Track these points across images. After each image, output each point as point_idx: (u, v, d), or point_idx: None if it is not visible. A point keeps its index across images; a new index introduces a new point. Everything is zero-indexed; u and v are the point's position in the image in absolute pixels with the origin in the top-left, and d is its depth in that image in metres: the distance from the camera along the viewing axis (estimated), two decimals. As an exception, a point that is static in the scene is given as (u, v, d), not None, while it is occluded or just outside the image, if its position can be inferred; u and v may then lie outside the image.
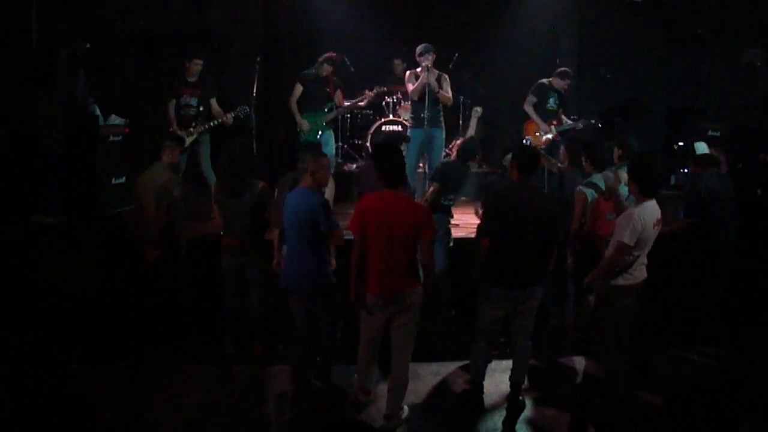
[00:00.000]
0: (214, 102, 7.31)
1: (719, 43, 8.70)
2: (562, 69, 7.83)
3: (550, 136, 7.69)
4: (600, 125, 7.95)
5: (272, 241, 5.37)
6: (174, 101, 7.17)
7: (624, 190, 5.42)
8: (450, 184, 5.88)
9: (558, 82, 7.72)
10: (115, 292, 5.95)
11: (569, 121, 7.76)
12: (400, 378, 4.58)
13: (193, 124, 7.20)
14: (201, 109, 7.24)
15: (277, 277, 5.05)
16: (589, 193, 5.40)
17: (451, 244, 6.09)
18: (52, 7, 6.99)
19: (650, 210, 4.57)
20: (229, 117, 7.20)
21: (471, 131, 6.67)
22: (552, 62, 9.63)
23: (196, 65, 7.16)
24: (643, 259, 4.70)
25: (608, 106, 8.64)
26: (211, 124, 7.22)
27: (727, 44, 8.60)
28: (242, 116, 7.32)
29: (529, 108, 7.80)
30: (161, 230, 5.65)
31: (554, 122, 7.72)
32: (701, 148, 6.29)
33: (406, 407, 4.74)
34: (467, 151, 5.99)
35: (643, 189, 4.61)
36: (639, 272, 4.70)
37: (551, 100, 7.76)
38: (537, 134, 7.74)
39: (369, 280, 4.45)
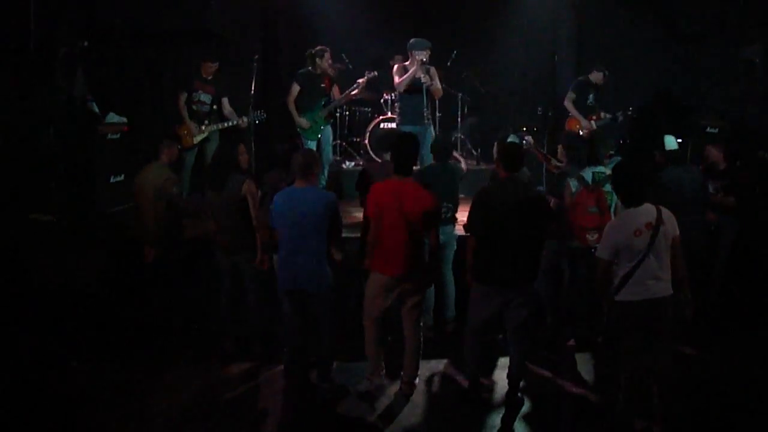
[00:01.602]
0: (226, 102, 7.36)
1: (718, 40, 8.69)
2: (599, 64, 7.90)
3: (588, 129, 7.80)
4: (635, 117, 8.01)
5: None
6: (185, 95, 7.19)
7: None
8: (439, 190, 5.63)
9: (596, 77, 7.79)
10: (113, 290, 5.96)
11: (607, 116, 7.87)
12: (415, 344, 4.94)
13: (206, 121, 7.23)
14: (215, 107, 7.28)
15: (272, 275, 5.06)
16: (573, 184, 5.44)
17: (455, 247, 6.00)
18: (51, 5, 6.99)
19: (631, 218, 4.28)
20: (245, 120, 7.26)
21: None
22: (551, 59, 9.67)
23: (212, 67, 7.22)
24: (651, 270, 4.24)
25: (643, 100, 8.68)
26: (226, 125, 7.25)
27: (725, 41, 8.60)
28: (258, 121, 7.40)
29: (568, 104, 7.93)
30: (160, 228, 5.66)
31: (593, 117, 7.81)
32: (671, 143, 6.28)
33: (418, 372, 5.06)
34: (440, 151, 5.83)
35: (624, 198, 4.38)
36: (648, 287, 4.24)
37: (591, 96, 7.85)
38: (578, 129, 7.82)
39: (380, 260, 4.76)
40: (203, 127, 7.19)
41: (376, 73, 8.04)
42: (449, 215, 5.79)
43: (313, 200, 4.68)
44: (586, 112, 7.89)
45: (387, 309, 4.90)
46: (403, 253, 4.69)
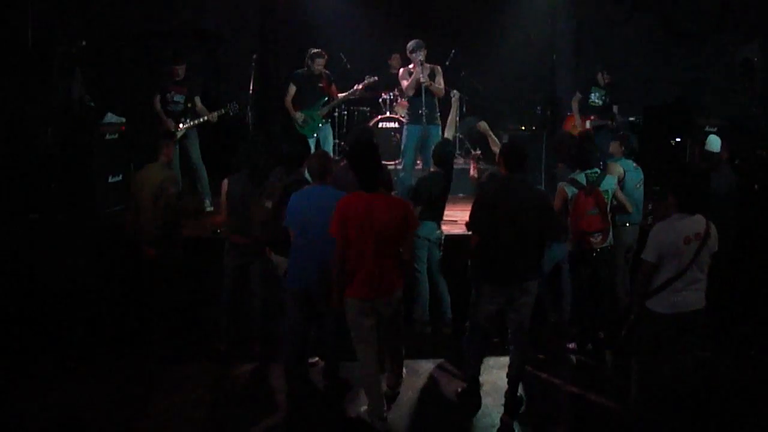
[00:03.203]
0: (198, 100, 7.38)
1: (716, 39, 8.70)
2: (603, 65, 7.89)
3: (580, 128, 7.73)
4: (638, 122, 7.95)
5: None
6: (159, 97, 7.25)
7: (612, 182, 5.45)
8: (433, 199, 5.73)
9: (600, 79, 7.77)
10: (111, 291, 5.95)
11: (615, 117, 7.84)
12: (398, 357, 4.82)
13: (182, 119, 7.29)
14: (189, 105, 7.33)
15: (273, 274, 5.05)
16: (570, 190, 5.38)
17: (441, 252, 5.98)
18: (48, 5, 6.99)
19: (682, 224, 4.20)
20: (214, 115, 7.26)
21: (452, 115, 6.68)
22: (549, 59, 9.67)
23: (181, 68, 7.26)
24: (690, 281, 4.19)
25: (651, 104, 8.66)
26: (198, 121, 7.30)
27: (724, 40, 8.60)
28: (232, 113, 7.35)
29: (573, 103, 7.99)
30: (158, 228, 5.65)
31: (591, 117, 7.79)
32: (714, 144, 6.21)
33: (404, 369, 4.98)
34: (441, 156, 5.84)
35: (681, 204, 4.25)
36: (682, 299, 4.19)
37: (593, 96, 7.85)
38: (574, 127, 7.84)
39: (357, 283, 4.38)
40: (180, 126, 7.25)
41: (376, 78, 8.04)
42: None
43: (327, 201, 4.58)
44: (588, 111, 7.87)
45: (373, 330, 4.51)
46: (377, 273, 4.34)
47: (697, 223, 4.24)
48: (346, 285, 4.40)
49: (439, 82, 7.17)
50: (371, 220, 4.28)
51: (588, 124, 7.75)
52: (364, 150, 4.53)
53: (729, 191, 5.99)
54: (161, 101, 7.25)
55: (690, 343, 4.31)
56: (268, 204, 5.07)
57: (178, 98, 7.29)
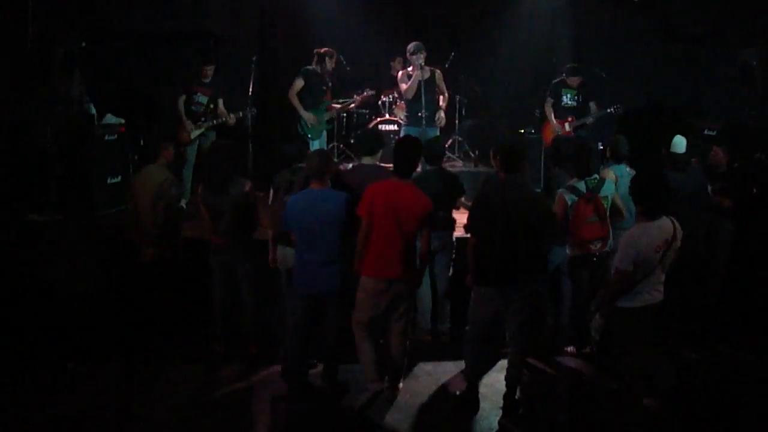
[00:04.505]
0: (221, 102, 7.54)
1: (716, 42, 8.70)
2: (569, 65, 7.82)
3: (560, 132, 7.70)
4: (617, 112, 7.79)
5: (262, 240, 5.40)
6: (184, 97, 7.40)
7: (611, 188, 5.47)
8: (435, 195, 5.71)
9: (569, 79, 7.71)
10: (110, 292, 5.94)
11: (589, 117, 7.73)
12: (401, 350, 4.91)
13: (202, 119, 7.45)
14: (211, 106, 7.50)
15: (267, 275, 5.11)
16: (569, 197, 5.38)
17: (453, 255, 5.92)
18: (48, 6, 6.98)
19: (651, 232, 4.32)
20: (232, 117, 7.48)
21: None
22: (549, 61, 9.65)
23: (210, 69, 7.43)
24: (655, 280, 4.39)
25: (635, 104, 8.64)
26: (216, 122, 7.46)
27: (723, 43, 8.60)
28: (249, 116, 7.62)
29: (546, 108, 7.88)
30: (157, 229, 5.65)
31: (569, 119, 7.71)
32: (679, 145, 6.17)
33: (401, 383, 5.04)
34: (431, 154, 5.78)
35: (644, 210, 4.39)
36: (648, 295, 4.38)
37: (565, 98, 7.78)
38: (552, 132, 7.79)
39: (372, 263, 4.66)
40: (200, 124, 7.42)
41: (373, 92, 8.14)
42: (446, 215, 5.75)
43: (330, 202, 4.66)
44: (564, 113, 7.80)
45: (378, 315, 4.77)
46: (394, 255, 4.62)
47: (665, 229, 4.36)
48: (364, 263, 4.66)
49: (440, 85, 7.20)
50: (396, 204, 4.60)
51: (567, 127, 7.71)
52: (411, 142, 5.00)
53: (695, 191, 5.94)
54: (185, 102, 7.39)
55: (656, 332, 4.51)
56: (287, 199, 5.08)
57: (202, 99, 7.44)
